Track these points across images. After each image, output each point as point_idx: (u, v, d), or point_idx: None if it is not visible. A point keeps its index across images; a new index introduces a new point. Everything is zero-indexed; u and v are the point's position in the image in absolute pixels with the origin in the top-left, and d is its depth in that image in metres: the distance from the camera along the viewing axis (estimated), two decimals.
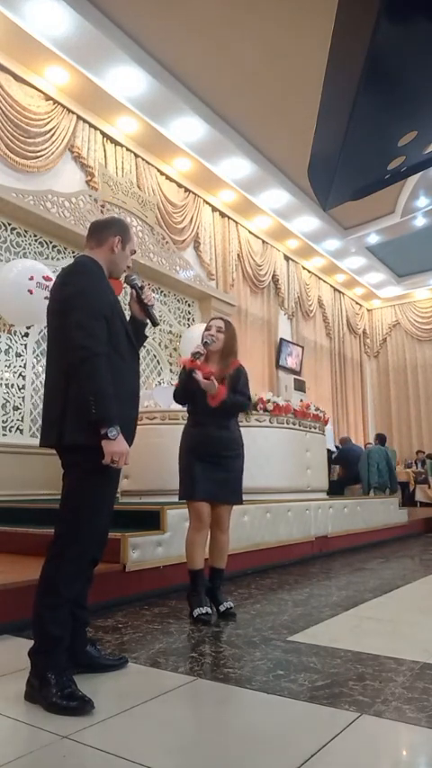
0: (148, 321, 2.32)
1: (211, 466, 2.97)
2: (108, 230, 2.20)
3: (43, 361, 6.33)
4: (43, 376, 6.56)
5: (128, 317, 2.28)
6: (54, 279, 2.17)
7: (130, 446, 2.06)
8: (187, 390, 3.04)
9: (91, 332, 1.95)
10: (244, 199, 9.20)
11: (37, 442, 6.02)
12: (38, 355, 6.31)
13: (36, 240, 6.38)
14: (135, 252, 2.34)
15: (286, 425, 5.51)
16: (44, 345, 6.36)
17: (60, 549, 2.00)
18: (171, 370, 7.97)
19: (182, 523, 3.73)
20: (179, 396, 3.14)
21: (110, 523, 2.18)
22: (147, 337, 2.40)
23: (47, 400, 2.11)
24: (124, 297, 6.54)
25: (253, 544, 4.48)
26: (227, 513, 3.06)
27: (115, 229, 2.20)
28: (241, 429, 3.18)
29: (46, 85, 6.53)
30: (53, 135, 6.59)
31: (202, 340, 3.08)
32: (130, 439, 2.09)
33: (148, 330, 2.42)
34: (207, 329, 3.14)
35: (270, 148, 8.36)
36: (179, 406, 3.52)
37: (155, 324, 2.34)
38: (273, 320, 10.62)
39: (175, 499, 3.26)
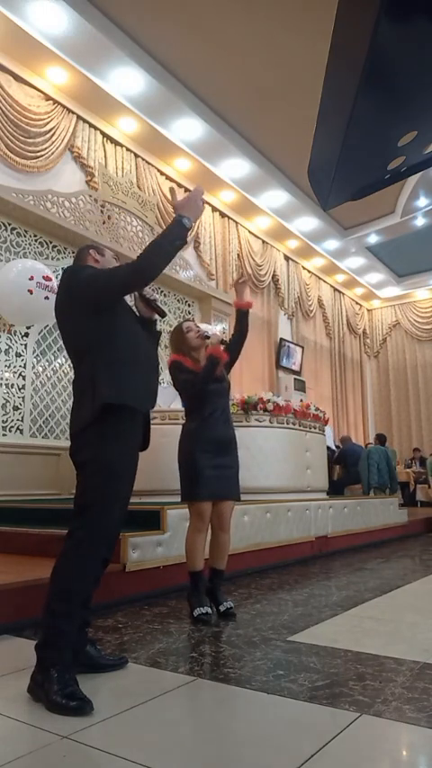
0: (155, 316, 2.37)
1: (220, 463, 3.00)
2: (82, 254, 2.35)
3: (43, 361, 6.34)
4: (43, 375, 6.59)
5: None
6: (54, 286, 2.26)
7: (153, 407, 2.22)
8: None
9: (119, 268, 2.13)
10: (244, 199, 9.19)
11: (37, 441, 6.10)
12: (38, 355, 6.31)
13: (36, 240, 6.38)
14: (117, 258, 2.44)
15: (286, 425, 5.51)
16: (44, 345, 6.37)
17: (72, 545, 2.03)
18: None
19: (182, 523, 3.73)
20: (205, 387, 3.04)
21: (122, 523, 2.20)
22: (161, 333, 2.46)
23: (76, 393, 2.16)
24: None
25: (253, 544, 4.47)
26: (229, 510, 3.07)
27: (85, 249, 2.37)
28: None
29: (46, 85, 6.53)
30: (53, 135, 6.58)
31: (204, 334, 3.14)
32: (152, 400, 2.22)
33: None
34: (189, 330, 3.16)
35: (270, 148, 8.36)
36: (179, 406, 3.52)
37: (162, 315, 2.39)
38: (273, 320, 10.62)
39: (175, 499, 3.26)
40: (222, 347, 3.13)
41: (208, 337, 3.15)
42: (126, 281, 2.09)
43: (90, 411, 2.04)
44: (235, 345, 3.31)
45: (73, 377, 2.24)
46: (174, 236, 2.06)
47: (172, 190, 2.44)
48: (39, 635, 2.00)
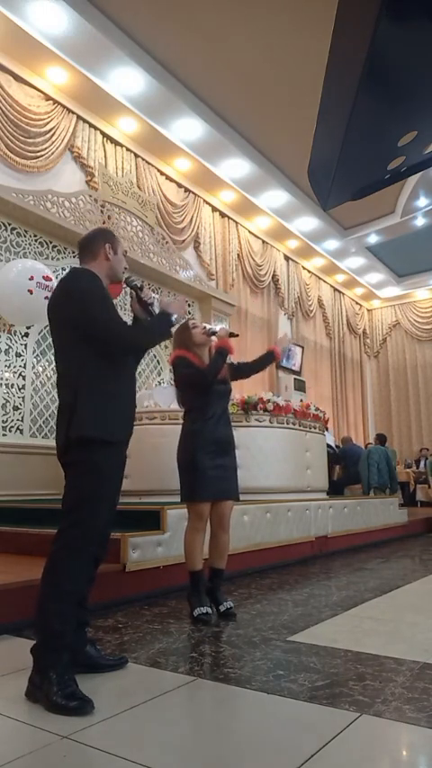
0: (149, 318, 2.37)
1: (221, 464, 3.01)
2: (96, 242, 2.30)
3: (43, 361, 6.33)
4: (43, 375, 6.58)
5: (130, 321, 2.38)
6: (54, 286, 2.28)
7: (129, 434, 2.24)
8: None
9: (118, 320, 2.18)
10: (244, 199, 9.19)
11: (37, 441, 6.09)
12: (38, 355, 6.31)
13: (36, 240, 6.38)
14: (126, 252, 2.45)
15: (286, 425, 5.51)
16: (44, 345, 6.37)
17: (61, 545, 2.04)
18: (171, 370, 7.96)
19: (182, 523, 3.72)
20: (214, 379, 3.04)
21: (112, 523, 2.20)
22: None
23: (59, 405, 2.21)
24: (124, 297, 6.56)
25: (253, 544, 4.47)
26: (229, 510, 3.08)
27: (102, 238, 2.32)
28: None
29: (46, 85, 6.53)
30: (53, 135, 6.58)
31: (210, 331, 3.19)
32: (129, 436, 2.23)
33: None
34: (194, 327, 3.20)
35: (270, 148, 8.36)
36: (177, 406, 3.51)
37: None
38: (273, 320, 10.62)
39: (175, 499, 3.26)
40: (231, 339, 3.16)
41: (214, 333, 3.15)
42: (124, 347, 2.19)
43: (66, 438, 2.08)
44: (248, 370, 3.40)
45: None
46: (164, 329, 2.28)
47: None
48: (35, 637, 2.00)
